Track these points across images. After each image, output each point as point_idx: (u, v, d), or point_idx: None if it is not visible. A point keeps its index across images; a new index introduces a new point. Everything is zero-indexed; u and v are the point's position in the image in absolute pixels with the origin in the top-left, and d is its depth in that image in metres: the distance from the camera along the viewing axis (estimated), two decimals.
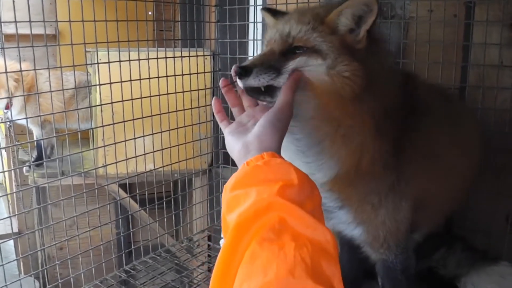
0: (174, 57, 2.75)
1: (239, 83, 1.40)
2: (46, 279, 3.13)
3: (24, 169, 4.34)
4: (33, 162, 4.16)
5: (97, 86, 2.64)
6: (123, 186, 3.76)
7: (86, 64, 2.77)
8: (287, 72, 1.39)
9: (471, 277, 1.97)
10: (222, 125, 1.42)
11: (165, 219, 2.96)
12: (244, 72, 1.37)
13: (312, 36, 1.42)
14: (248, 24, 3.06)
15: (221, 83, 1.45)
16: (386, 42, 1.58)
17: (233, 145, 1.32)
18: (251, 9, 2.99)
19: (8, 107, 4.08)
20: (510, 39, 2.10)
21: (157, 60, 2.65)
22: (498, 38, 2.10)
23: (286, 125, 1.32)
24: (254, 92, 1.42)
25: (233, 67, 1.40)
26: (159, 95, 2.67)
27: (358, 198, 1.61)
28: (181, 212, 3.02)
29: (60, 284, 2.45)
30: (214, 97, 1.47)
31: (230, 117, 1.46)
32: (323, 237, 1.03)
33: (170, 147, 2.81)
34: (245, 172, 1.18)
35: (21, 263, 4.59)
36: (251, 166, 1.18)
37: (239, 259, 1.00)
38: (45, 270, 2.78)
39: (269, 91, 1.41)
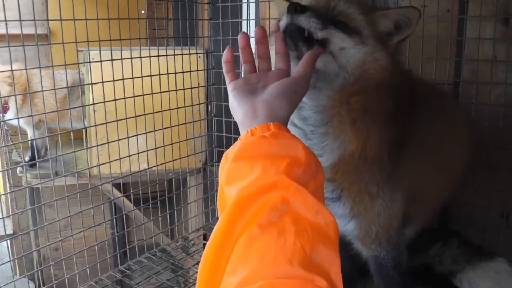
0: (167, 55, 2.74)
1: (285, 20, 1.36)
2: (41, 280, 3.12)
3: (18, 170, 4.33)
4: (27, 162, 4.15)
5: (90, 86, 2.63)
6: (117, 186, 3.74)
7: (78, 63, 2.75)
8: (329, 31, 1.38)
9: (467, 273, 1.96)
10: (227, 77, 1.33)
11: (160, 219, 2.95)
12: (300, 8, 1.34)
13: (358, 17, 1.45)
14: (241, 21, 3.05)
15: (258, 31, 1.36)
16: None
17: (238, 105, 1.23)
18: (244, 6, 2.99)
19: (5, 110, 4.08)
20: (503, 34, 2.10)
21: (150, 59, 2.64)
22: (492, 33, 2.10)
23: (300, 99, 1.27)
24: (294, 36, 1.37)
25: (288, 5, 1.36)
26: (152, 93, 2.65)
27: (359, 187, 1.60)
28: (176, 211, 3.01)
29: (55, 285, 2.44)
30: (228, 47, 1.36)
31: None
32: (323, 221, 0.99)
33: (164, 146, 2.80)
34: (251, 142, 1.09)
35: (16, 265, 4.58)
36: (257, 137, 1.10)
37: (236, 237, 0.95)
38: (40, 271, 2.77)
39: (307, 40, 1.38)
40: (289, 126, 1.37)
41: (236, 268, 0.90)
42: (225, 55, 1.34)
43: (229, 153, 1.12)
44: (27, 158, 4.33)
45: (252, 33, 2.85)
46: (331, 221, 1.01)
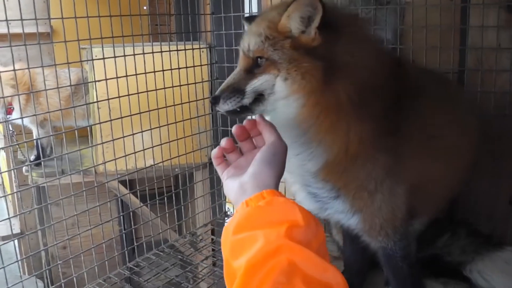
0: (169, 51, 2.73)
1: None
2: (50, 279, 3.13)
3: (24, 169, 4.33)
4: (32, 161, 4.15)
5: (94, 83, 2.62)
6: (123, 183, 3.75)
7: (81, 61, 2.75)
8: (250, 92, 1.49)
9: (476, 264, 1.96)
10: (218, 170, 1.43)
11: (167, 214, 2.95)
12: (214, 100, 1.51)
13: (265, 46, 1.49)
14: (243, 15, 3.04)
15: (234, 132, 1.44)
16: (356, 26, 1.59)
17: (229, 188, 1.31)
18: (246, 0, 2.97)
19: (10, 112, 4.07)
20: (507, 21, 2.08)
21: (153, 55, 2.63)
22: (495, 20, 2.08)
23: (281, 159, 1.31)
24: (233, 113, 1.53)
25: None
26: (156, 89, 2.65)
27: (355, 185, 1.63)
28: (183, 207, 3.02)
29: (63, 284, 2.44)
30: (218, 147, 1.44)
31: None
32: (333, 280, 1.02)
33: (169, 142, 2.80)
34: (248, 213, 1.14)
35: (24, 264, 4.59)
36: (253, 207, 1.15)
37: None
38: (48, 270, 2.77)
39: (243, 110, 1.52)
40: None
41: None
42: (214, 153, 1.43)
43: (229, 227, 1.15)
44: (32, 157, 4.33)
45: None
46: (340, 278, 1.03)
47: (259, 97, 1.50)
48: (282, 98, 1.48)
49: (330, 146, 1.54)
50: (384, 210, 1.67)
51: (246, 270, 1.01)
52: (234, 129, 1.40)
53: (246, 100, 1.50)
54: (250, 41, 1.52)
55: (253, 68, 1.51)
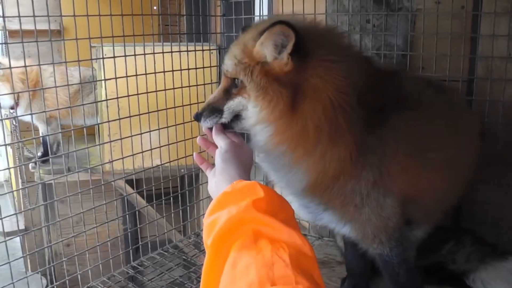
0: (179, 51, 2.74)
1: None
2: (53, 276, 3.13)
3: (30, 165, 4.36)
4: (39, 158, 4.17)
5: (103, 82, 2.63)
6: (129, 182, 3.76)
7: (92, 59, 2.76)
8: (227, 111, 1.57)
9: (480, 273, 1.95)
10: (203, 167, 1.62)
11: (172, 215, 2.95)
12: (196, 117, 1.62)
13: (237, 70, 1.53)
14: (254, 18, 3.04)
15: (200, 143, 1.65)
16: (330, 45, 1.55)
17: (210, 186, 1.49)
18: (257, 2, 2.98)
19: (15, 107, 4.10)
20: None
21: (163, 55, 2.64)
22: (507, 29, 2.08)
23: (234, 153, 1.47)
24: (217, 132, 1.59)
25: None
26: (165, 89, 2.65)
27: (340, 200, 1.65)
28: (188, 208, 3.01)
29: (67, 281, 2.45)
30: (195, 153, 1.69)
31: None
32: (299, 240, 1.09)
33: (176, 142, 2.80)
34: (217, 199, 1.26)
35: (28, 260, 4.61)
36: (221, 194, 1.27)
37: (219, 271, 1.08)
38: (52, 267, 2.78)
39: (224, 127, 1.60)
40: (264, 165, 1.70)
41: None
42: (197, 159, 1.66)
43: (205, 215, 1.27)
44: (39, 154, 4.35)
45: None
46: (307, 241, 1.10)
47: (238, 116, 1.58)
48: (253, 125, 1.54)
49: (308, 171, 1.57)
50: (373, 220, 1.66)
51: (213, 243, 1.12)
52: (198, 140, 1.63)
53: (224, 119, 1.58)
54: (227, 63, 1.57)
55: (231, 88, 1.57)
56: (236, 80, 1.54)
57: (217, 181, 1.42)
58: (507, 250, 2.01)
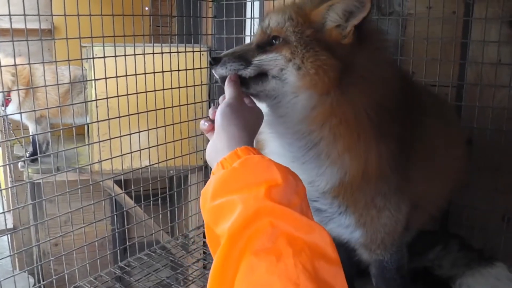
0: (170, 52, 2.73)
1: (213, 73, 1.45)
2: (41, 275, 3.11)
3: (19, 164, 4.33)
4: (28, 157, 4.15)
5: (93, 81, 2.62)
6: (118, 182, 3.74)
7: (82, 59, 2.75)
8: (256, 64, 1.42)
9: (466, 279, 1.96)
10: (208, 136, 1.39)
11: (161, 216, 2.94)
12: (213, 61, 1.43)
13: (285, 26, 1.43)
14: (245, 20, 3.04)
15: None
16: (382, 38, 1.55)
17: (207, 149, 1.31)
18: (248, 4, 2.98)
19: (7, 103, 4.07)
20: (508, 37, 2.09)
21: (153, 56, 2.63)
22: (497, 35, 2.09)
23: (239, 110, 1.30)
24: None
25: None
26: (155, 90, 2.65)
27: (365, 202, 1.58)
28: (176, 209, 3.02)
29: (54, 280, 2.43)
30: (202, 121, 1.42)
31: None
32: (320, 240, 0.99)
33: (165, 143, 2.80)
34: (223, 177, 1.12)
35: (16, 259, 4.58)
36: (228, 170, 1.12)
37: (233, 271, 0.96)
38: (40, 266, 2.76)
39: (243, 82, 1.43)
40: (281, 152, 1.50)
41: None
42: (202, 125, 1.40)
43: (207, 191, 1.13)
44: (28, 153, 4.33)
45: (254, 32, 2.85)
46: (327, 237, 1.01)
47: (262, 76, 1.43)
48: (292, 91, 1.41)
49: (347, 167, 1.47)
50: (388, 225, 1.65)
51: (229, 238, 0.98)
52: (211, 112, 1.38)
53: (248, 72, 1.42)
54: (271, 19, 1.47)
55: (266, 45, 1.45)
56: (277, 38, 1.43)
57: (214, 139, 1.26)
58: (494, 256, 2.02)
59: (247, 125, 1.27)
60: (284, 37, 1.42)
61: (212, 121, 1.34)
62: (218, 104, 1.36)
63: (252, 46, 1.48)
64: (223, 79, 1.43)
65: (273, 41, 1.44)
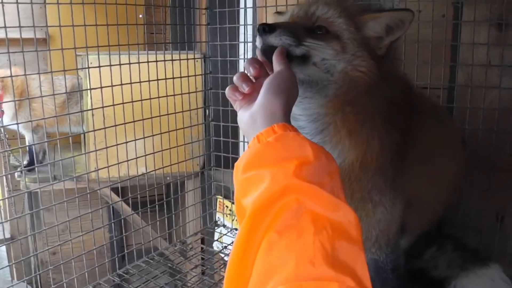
0: (164, 60, 2.76)
1: (259, 41, 1.40)
2: (39, 284, 3.12)
3: (16, 174, 4.34)
4: (25, 167, 4.15)
5: (88, 90, 2.64)
6: (115, 190, 3.75)
7: (77, 69, 2.76)
8: (306, 45, 1.39)
9: (461, 280, 1.96)
10: (234, 105, 1.36)
11: (158, 222, 2.96)
12: (268, 28, 1.36)
13: (338, 21, 1.44)
14: (238, 27, 3.07)
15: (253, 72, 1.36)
16: (394, 48, 1.64)
17: (241, 119, 1.27)
18: (241, 11, 3.00)
19: (1, 114, 4.08)
20: (497, 39, 2.11)
21: (148, 64, 2.65)
22: (486, 37, 2.11)
23: (290, 87, 1.25)
24: (270, 56, 1.36)
25: (258, 26, 1.39)
26: (150, 98, 2.66)
27: (361, 195, 1.60)
28: (173, 215, 3.02)
29: None
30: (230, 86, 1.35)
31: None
32: (345, 218, 0.97)
33: (162, 150, 2.81)
34: (257, 150, 1.10)
35: (14, 269, 4.58)
36: (263, 144, 1.11)
37: (256, 247, 0.94)
38: (38, 275, 2.77)
39: (288, 58, 1.38)
40: None
41: (260, 278, 0.89)
42: (227, 92, 1.34)
43: (239, 164, 1.12)
44: (25, 162, 4.34)
45: (249, 38, 2.88)
46: (353, 217, 0.99)
47: (304, 58, 1.41)
48: (331, 79, 1.44)
49: (347, 151, 1.50)
50: (382, 222, 1.66)
51: (253, 211, 0.98)
52: (248, 64, 1.34)
53: (298, 51, 1.39)
54: (319, 7, 1.46)
55: (312, 31, 1.43)
56: (323, 28, 1.43)
57: (254, 113, 1.21)
58: (488, 256, 2.04)
59: (291, 101, 1.25)
60: (334, 31, 1.44)
61: (252, 82, 1.32)
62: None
63: (299, 26, 1.44)
64: (268, 48, 1.37)
65: (318, 30, 1.44)
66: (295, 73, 1.34)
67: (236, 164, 1.15)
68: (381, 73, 1.46)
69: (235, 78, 1.34)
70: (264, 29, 1.36)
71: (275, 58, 1.32)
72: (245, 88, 1.30)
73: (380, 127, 1.50)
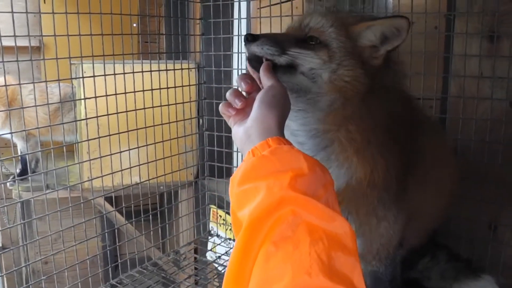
0: (159, 70, 2.76)
1: (245, 50, 1.43)
2: None
3: (8, 183, 4.32)
4: (18, 175, 4.13)
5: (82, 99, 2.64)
6: (108, 199, 3.74)
7: (71, 78, 2.76)
8: (290, 55, 1.40)
9: None
10: (228, 121, 1.38)
11: (152, 232, 2.95)
12: (251, 37, 1.40)
13: (328, 30, 1.45)
14: (232, 37, 3.08)
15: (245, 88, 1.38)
16: (398, 62, 1.61)
17: (236, 134, 1.28)
18: (235, 22, 3.02)
19: None
20: (489, 51, 2.14)
21: (142, 74, 2.66)
22: (478, 49, 2.14)
23: (282, 100, 1.27)
24: (254, 64, 1.41)
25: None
26: (145, 108, 2.67)
27: (366, 210, 1.60)
28: (167, 225, 3.01)
29: None
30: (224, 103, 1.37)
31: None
32: (340, 229, 0.99)
33: (155, 160, 2.81)
34: (252, 164, 1.12)
35: (5, 279, 4.54)
36: (258, 157, 1.12)
37: (253, 259, 0.95)
38: (30, 286, 2.73)
39: (273, 67, 1.41)
40: None
41: None
42: (221, 108, 1.36)
43: (234, 178, 1.14)
44: (18, 171, 4.31)
45: (243, 49, 2.88)
46: (348, 228, 1.01)
47: (291, 68, 1.43)
48: (318, 90, 1.44)
49: (353, 170, 1.50)
50: (384, 236, 1.67)
51: (249, 223, 0.99)
52: (240, 79, 1.37)
53: (282, 60, 1.40)
54: (312, 18, 1.48)
55: (302, 42, 1.45)
56: (314, 38, 1.44)
57: (249, 128, 1.22)
58: (481, 267, 2.04)
59: (284, 115, 1.27)
60: (324, 40, 1.44)
61: (245, 98, 1.33)
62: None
63: (288, 37, 1.47)
64: (253, 57, 1.41)
65: (310, 40, 1.46)
66: (284, 83, 1.37)
67: (231, 178, 1.16)
68: (376, 84, 1.45)
69: (227, 94, 1.36)
70: (247, 39, 1.40)
71: (263, 74, 1.34)
72: (238, 104, 1.32)
73: (385, 145, 1.51)
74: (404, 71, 1.65)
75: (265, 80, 1.32)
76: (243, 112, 1.32)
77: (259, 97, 1.26)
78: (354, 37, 1.46)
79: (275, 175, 1.06)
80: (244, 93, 1.38)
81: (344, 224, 1.01)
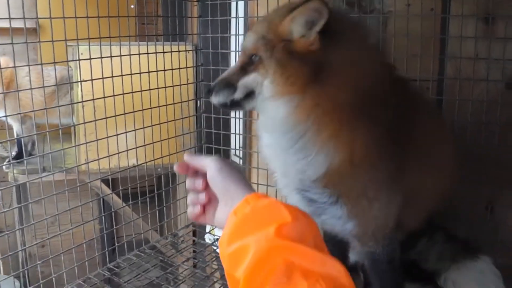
0: (156, 52, 2.75)
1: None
2: (27, 278, 3.09)
3: (4, 166, 4.31)
4: (14, 158, 4.12)
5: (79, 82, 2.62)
6: (106, 182, 3.73)
7: (68, 61, 2.74)
8: (241, 87, 1.55)
9: (451, 273, 1.98)
10: (207, 221, 1.44)
11: (149, 215, 2.95)
12: (208, 92, 1.60)
13: (258, 45, 1.53)
14: (230, 19, 3.07)
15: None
16: (356, 31, 1.63)
17: (218, 219, 1.34)
18: (233, 4, 3.01)
19: None
20: (484, 32, 2.14)
21: (139, 56, 2.65)
22: (473, 31, 2.14)
23: (234, 174, 1.33)
24: (224, 106, 1.61)
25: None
26: (141, 90, 2.66)
27: (356, 192, 1.61)
28: (165, 208, 3.02)
29: (41, 284, 2.40)
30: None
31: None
32: (334, 270, 1.02)
33: (153, 143, 2.81)
34: (235, 224, 1.15)
35: (0, 263, 4.54)
36: (239, 217, 1.16)
37: None
38: (26, 270, 2.74)
39: (234, 104, 1.59)
40: (273, 145, 1.62)
41: None
42: (190, 214, 1.45)
43: (222, 240, 1.17)
44: (13, 153, 4.30)
45: (240, 31, 2.88)
46: (340, 267, 1.03)
47: (250, 94, 1.55)
48: (270, 99, 1.51)
49: (332, 154, 1.52)
50: (379, 218, 1.67)
51: (244, 280, 1.02)
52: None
53: (237, 95, 1.56)
54: (248, 39, 1.57)
55: (247, 65, 1.55)
56: (254, 56, 1.53)
57: (225, 205, 1.29)
58: (479, 248, 2.06)
59: (239, 176, 1.32)
60: (260, 55, 1.52)
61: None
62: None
63: (236, 69, 1.58)
64: (220, 104, 1.60)
65: (252, 58, 1.54)
66: (251, 109, 1.58)
67: (219, 241, 1.19)
68: (334, 62, 1.47)
69: (188, 200, 1.45)
70: (206, 94, 1.64)
71: (192, 162, 1.41)
72: (200, 185, 1.39)
73: (361, 124, 1.51)
74: (360, 34, 1.65)
75: (201, 163, 1.38)
76: (209, 203, 1.39)
77: (210, 179, 1.33)
78: (286, 34, 1.50)
79: (260, 229, 1.09)
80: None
81: (335, 264, 1.04)
